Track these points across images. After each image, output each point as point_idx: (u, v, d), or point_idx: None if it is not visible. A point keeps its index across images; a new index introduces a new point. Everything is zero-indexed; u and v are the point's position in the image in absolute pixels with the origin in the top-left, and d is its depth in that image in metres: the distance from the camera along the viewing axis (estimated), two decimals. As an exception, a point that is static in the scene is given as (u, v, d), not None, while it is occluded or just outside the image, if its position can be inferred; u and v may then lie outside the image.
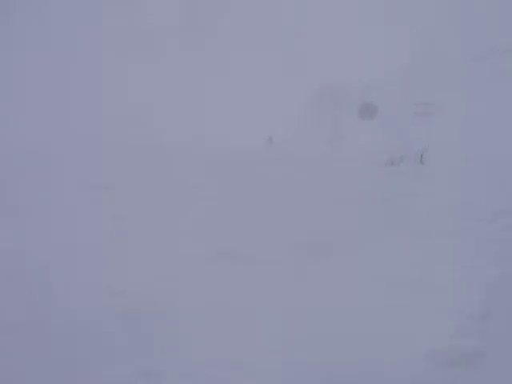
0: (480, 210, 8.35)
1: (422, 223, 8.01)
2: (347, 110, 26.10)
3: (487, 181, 10.44)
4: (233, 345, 4.84)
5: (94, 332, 4.96)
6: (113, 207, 9.12)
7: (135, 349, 4.73)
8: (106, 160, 13.37)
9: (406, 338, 4.85)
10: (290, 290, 5.83)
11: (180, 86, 25.54)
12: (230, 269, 6.41)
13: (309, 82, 27.07)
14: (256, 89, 26.88)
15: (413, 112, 23.07)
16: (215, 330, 5.09)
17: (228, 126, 24.05)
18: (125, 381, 4.29)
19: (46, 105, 20.58)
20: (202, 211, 8.98)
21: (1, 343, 4.69)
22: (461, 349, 4.61)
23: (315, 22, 30.30)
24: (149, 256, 6.87)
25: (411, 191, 9.84)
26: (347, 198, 9.64)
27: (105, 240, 7.40)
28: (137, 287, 5.86)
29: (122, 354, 4.62)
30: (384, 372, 4.38)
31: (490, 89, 21.99)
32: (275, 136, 21.66)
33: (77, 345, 4.77)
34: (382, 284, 5.89)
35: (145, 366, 4.46)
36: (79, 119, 19.49)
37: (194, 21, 29.36)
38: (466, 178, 10.63)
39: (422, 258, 6.63)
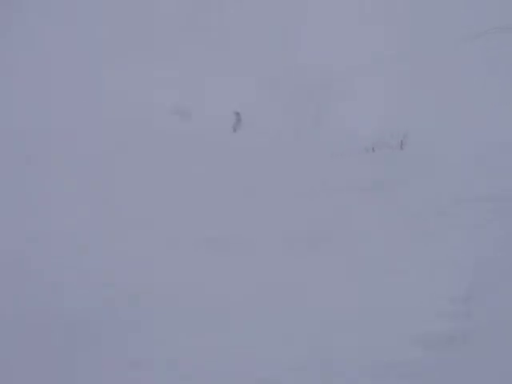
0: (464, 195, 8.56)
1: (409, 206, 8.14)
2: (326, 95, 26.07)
3: (465, 166, 10.61)
4: (221, 331, 4.88)
5: (83, 321, 5.03)
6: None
7: (124, 338, 4.81)
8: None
9: (393, 321, 5.09)
10: (276, 278, 5.98)
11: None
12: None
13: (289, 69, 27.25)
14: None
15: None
16: (203, 317, 5.12)
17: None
18: (115, 371, 4.36)
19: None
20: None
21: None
22: (446, 331, 4.75)
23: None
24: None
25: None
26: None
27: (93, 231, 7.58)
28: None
29: (111, 344, 4.70)
30: (372, 356, 4.46)
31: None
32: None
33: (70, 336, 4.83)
34: (367, 269, 6.02)
35: (134, 355, 4.54)
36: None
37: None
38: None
39: (408, 240, 6.84)
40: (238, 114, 23.09)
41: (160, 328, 5.00)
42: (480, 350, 4.44)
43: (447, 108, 20.43)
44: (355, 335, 4.79)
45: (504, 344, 4.44)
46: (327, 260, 6.43)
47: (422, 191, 9.01)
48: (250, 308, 5.33)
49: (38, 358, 4.53)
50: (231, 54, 28.29)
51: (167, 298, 5.53)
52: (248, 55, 27.92)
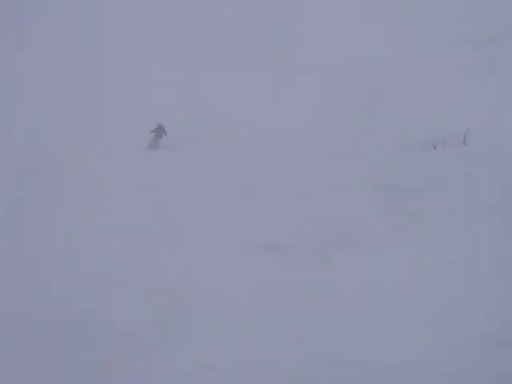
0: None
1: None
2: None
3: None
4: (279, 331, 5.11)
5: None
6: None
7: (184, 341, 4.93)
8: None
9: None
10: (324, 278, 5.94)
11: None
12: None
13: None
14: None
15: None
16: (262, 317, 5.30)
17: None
18: (183, 374, 4.51)
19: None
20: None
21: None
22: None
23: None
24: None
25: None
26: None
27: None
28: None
29: (172, 348, 4.83)
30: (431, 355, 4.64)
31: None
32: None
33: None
34: (418, 270, 6.02)
35: (196, 358, 4.67)
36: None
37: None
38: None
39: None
40: (160, 126, 17.53)
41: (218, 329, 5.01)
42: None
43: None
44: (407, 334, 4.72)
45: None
46: (377, 259, 6.41)
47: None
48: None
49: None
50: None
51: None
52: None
